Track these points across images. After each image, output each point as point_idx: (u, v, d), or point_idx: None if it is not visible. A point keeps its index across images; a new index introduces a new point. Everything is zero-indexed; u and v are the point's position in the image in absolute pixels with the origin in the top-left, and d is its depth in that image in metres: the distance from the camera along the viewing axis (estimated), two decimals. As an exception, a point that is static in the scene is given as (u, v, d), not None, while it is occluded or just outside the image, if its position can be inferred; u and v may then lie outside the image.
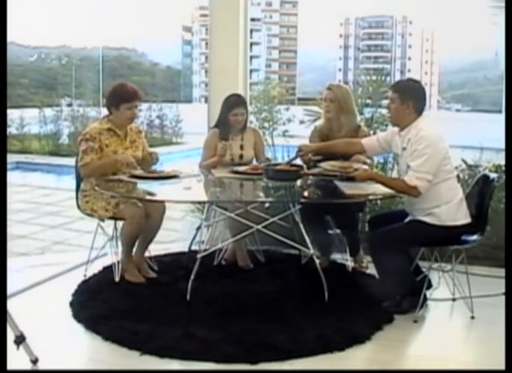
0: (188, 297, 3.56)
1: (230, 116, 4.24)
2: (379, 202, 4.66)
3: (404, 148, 3.44)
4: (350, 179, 3.57)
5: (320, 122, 4.33)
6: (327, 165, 3.76)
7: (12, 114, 12.76)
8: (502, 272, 3.38)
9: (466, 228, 3.45)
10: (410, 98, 3.40)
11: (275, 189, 3.87)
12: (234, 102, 4.24)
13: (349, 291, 3.78)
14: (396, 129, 3.55)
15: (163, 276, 4.01)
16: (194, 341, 3.05)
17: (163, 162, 4.18)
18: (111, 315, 3.35)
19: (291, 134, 5.70)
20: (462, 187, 3.57)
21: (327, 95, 4.11)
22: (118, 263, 3.93)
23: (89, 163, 3.84)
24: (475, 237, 3.49)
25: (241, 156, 4.27)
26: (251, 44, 9.25)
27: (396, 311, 3.47)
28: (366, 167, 3.63)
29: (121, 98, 3.92)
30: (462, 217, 3.43)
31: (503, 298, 2.78)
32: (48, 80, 23.52)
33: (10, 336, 2.72)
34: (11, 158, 8.76)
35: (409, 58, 34.91)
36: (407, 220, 3.55)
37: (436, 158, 3.31)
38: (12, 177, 8.68)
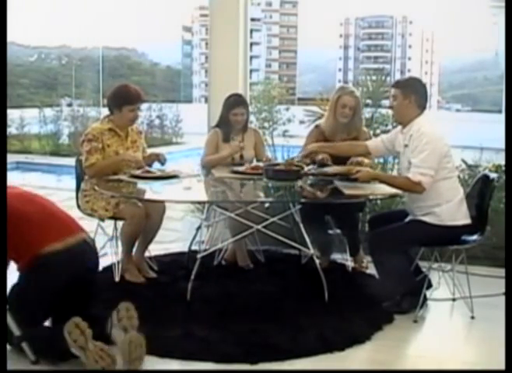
0: (188, 297, 3.56)
1: (230, 116, 4.24)
2: (379, 202, 4.66)
3: (406, 145, 3.45)
4: (350, 178, 3.58)
5: (322, 121, 4.29)
6: (331, 169, 3.80)
7: (12, 114, 12.72)
8: (502, 272, 3.38)
9: (466, 228, 3.45)
10: (412, 92, 3.43)
11: (275, 189, 3.87)
12: (234, 101, 4.24)
13: (349, 291, 3.78)
14: (399, 128, 3.57)
15: (163, 276, 4.01)
16: (194, 341, 3.06)
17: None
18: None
19: (291, 134, 5.71)
20: (462, 187, 3.57)
21: (348, 102, 4.02)
22: (118, 263, 3.94)
23: (95, 163, 3.84)
24: (475, 237, 3.49)
25: (241, 156, 4.26)
26: (251, 44, 9.25)
27: (396, 311, 3.47)
28: (368, 169, 3.63)
29: (124, 100, 3.91)
30: (462, 218, 3.43)
31: (503, 298, 2.79)
32: (48, 80, 23.49)
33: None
34: (11, 158, 8.72)
35: (409, 58, 34.85)
36: (407, 220, 3.55)
37: (437, 154, 3.32)
38: (12, 177, 8.64)
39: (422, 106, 3.46)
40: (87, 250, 3.06)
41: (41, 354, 2.83)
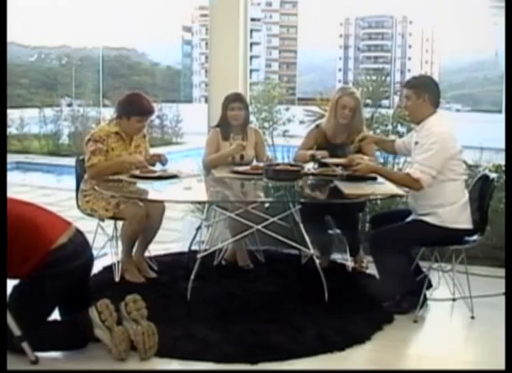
0: (188, 297, 3.56)
1: (228, 112, 4.24)
2: (379, 202, 4.66)
3: (416, 143, 3.46)
4: (350, 178, 3.58)
5: (323, 122, 4.28)
6: (331, 160, 3.88)
7: (12, 114, 12.73)
8: (502, 272, 3.38)
9: (466, 231, 3.45)
10: (425, 91, 3.43)
11: (275, 189, 3.87)
12: (231, 97, 4.26)
13: (349, 291, 3.78)
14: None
15: (163, 276, 4.01)
16: (194, 341, 3.06)
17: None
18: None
19: (291, 134, 5.70)
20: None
21: (348, 104, 4.02)
22: (118, 263, 3.94)
23: (97, 164, 3.83)
24: (475, 237, 3.49)
25: (242, 156, 4.26)
26: (251, 44, 9.25)
27: (396, 311, 3.47)
28: (368, 162, 3.64)
29: (135, 110, 3.90)
30: (464, 222, 3.42)
31: (503, 298, 2.79)
32: (48, 80, 23.51)
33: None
34: (11, 158, 8.73)
35: (409, 58, 34.85)
36: (408, 219, 3.55)
37: (443, 155, 3.31)
38: (12, 177, 8.65)
39: (435, 104, 3.46)
40: (83, 239, 3.09)
41: (56, 347, 2.91)
